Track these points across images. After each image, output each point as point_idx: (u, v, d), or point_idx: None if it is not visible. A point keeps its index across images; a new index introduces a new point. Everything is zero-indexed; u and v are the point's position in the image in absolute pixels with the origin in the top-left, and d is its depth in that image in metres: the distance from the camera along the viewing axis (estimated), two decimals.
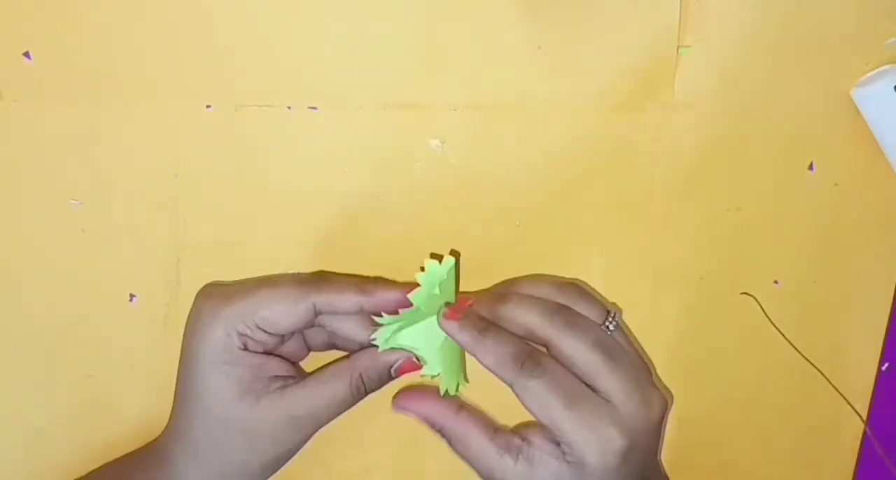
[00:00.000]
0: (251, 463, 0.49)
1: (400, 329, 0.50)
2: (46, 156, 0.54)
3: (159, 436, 0.52)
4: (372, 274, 0.54)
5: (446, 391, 0.51)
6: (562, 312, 0.49)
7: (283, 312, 0.48)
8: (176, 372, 0.51)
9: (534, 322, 0.48)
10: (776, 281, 0.58)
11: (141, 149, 0.54)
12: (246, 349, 0.49)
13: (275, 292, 0.49)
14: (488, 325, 0.49)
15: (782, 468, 0.59)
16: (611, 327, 0.49)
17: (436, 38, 0.54)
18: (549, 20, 0.54)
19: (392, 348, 0.50)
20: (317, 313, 0.49)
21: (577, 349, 0.47)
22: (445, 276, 0.50)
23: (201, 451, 0.49)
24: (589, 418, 0.46)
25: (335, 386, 0.49)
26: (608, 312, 0.50)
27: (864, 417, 0.58)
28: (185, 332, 0.50)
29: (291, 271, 0.54)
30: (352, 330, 0.51)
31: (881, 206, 0.58)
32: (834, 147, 0.57)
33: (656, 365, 0.58)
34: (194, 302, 0.51)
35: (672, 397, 0.57)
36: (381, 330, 0.50)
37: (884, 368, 0.57)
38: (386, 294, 0.49)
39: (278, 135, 0.54)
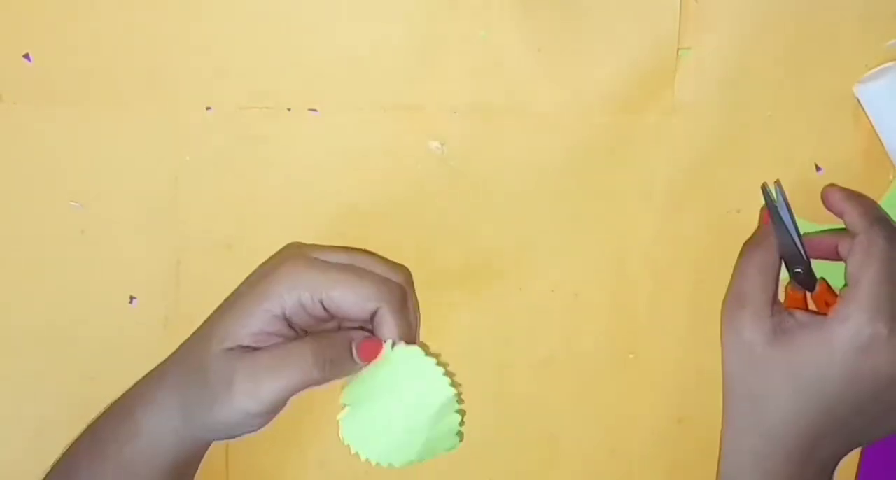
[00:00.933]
0: (216, 414, 0.47)
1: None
2: (46, 157, 0.54)
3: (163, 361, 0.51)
4: None
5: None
6: None
7: (349, 302, 0.48)
8: None
9: None
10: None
11: (141, 150, 0.54)
12: (289, 320, 0.48)
13: (357, 283, 0.48)
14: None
15: None
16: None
17: (435, 40, 0.54)
18: (549, 22, 0.54)
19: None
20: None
21: None
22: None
23: (187, 383, 0.48)
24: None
25: (300, 357, 0.48)
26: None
27: None
28: (257, 269, 0.51)
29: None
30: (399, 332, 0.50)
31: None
32: (835, 148, 0.57)
33: (656, 366, 0.58)
34: (279, 254, 0.51)
35: None
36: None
37: None
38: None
39: (278, 137, 0.54)
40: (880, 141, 0.56)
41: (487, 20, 0.54)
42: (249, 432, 0.49)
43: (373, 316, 0.49)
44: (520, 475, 0.59)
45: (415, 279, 0.54)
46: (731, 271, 0.57)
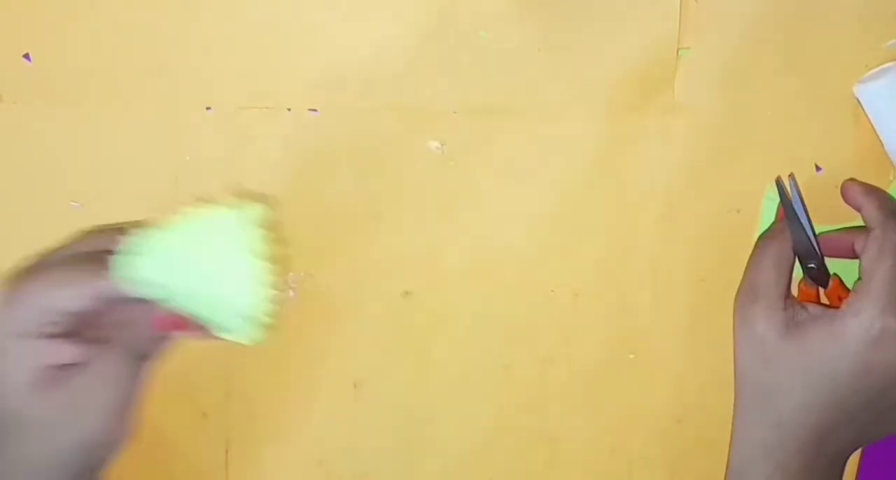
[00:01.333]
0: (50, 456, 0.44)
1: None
2: (46, 157, 0.54)
3: None
4: (370, 275, 0.54)
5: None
6: None
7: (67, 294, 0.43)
8: (173, 373, 0.51)
9: None
10: None
11: (141, 150, 0.54)
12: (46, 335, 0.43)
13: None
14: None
15: None
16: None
17: (435, 41, 0.54)
18: (549, 23, 0.54)
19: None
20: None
21: None
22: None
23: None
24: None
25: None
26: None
27: None
28: None
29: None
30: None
31: None
32: (835, 148, 0.57)
33: (656, 366, 0.58)
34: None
35: None
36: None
37: None
38: None
39: (278, 137, 0.54)
40: (880, 141, 0.56)
41: (487, 20, 0.54)
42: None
43: None
44: (520, 475, 0.59)
45: (415, 279, 0.54)
46: (731, 271, 0.57)
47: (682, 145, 0.56)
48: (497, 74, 0.54)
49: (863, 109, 0.56)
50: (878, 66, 0.56)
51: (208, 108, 0.54)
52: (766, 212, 0.56)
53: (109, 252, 0.43)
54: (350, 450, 0.57)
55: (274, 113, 0.54)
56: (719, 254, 0.57)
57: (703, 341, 0.58)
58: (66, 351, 0.44)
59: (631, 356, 0.58)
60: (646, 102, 0.55)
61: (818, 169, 0.57)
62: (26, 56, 0.53)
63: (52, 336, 0.43)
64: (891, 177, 0.57)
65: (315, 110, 0.54)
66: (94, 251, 0.44)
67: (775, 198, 0.51)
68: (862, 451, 0.58)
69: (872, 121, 0.56)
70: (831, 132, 0.57)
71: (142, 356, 0.45)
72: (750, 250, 0.57)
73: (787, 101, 0.56)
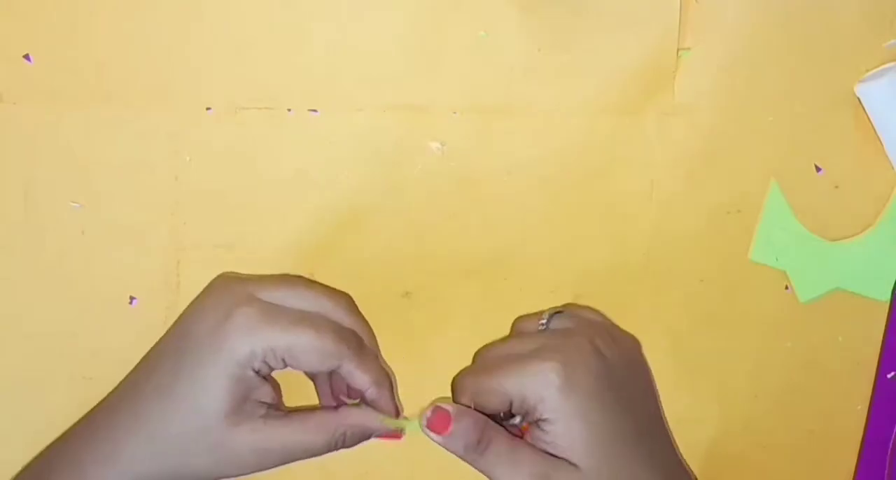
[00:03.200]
0: (201, 474, 0.48)
1: None
2: (46, 158, 0.54)
3: (103, 408, 0.50)
4: (371, 276, 0.54)
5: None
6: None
7: (312, 361, 0.48)
8: None
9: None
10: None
11: (141, 151, 0.54)
12: (257, 372, 0.48)
13: (318, 342, 0.48)
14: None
15: (782, 470, 0.59)
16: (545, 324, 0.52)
17: (435, 40, 0.54)
18: (549, 22, 0.54)
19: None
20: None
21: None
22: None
23: (158, 448, 0.47)
24: (509, 367, 0.48)
25: (316, 435, 0.49)
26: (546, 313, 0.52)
27: (865, 419, 0.58)
28: (202, 323, 0.48)
29: (314, 279, 0.54)
30: (363, 383, 0.50)
31: (883, 206, 0.57)
32: (835, 148, 0.57)
33: (656, 366, 0.58)
34: (218, 293, 0.49)
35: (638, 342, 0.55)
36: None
37: (889, 376, 0.57)
38: (389, 405, 0.51)
39: (278, 138, 0.54)
40: (880, 141, 0.56)
41: (487, 20, 0.54)
42: None
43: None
44: None
45: (415, 279, 0.54)
46: (731, 271, 0.57)
47: (682, 145, 0.56)
48: (497, 74, 0.55)
49: (863, 109, 0.56)
50: (878, 66, 0.56)
51: (208, 108, 0.54)
52: (768, 212, 0.57)
53: (355, 336, 0.50)
54: (350, 451, 0.57)
55: (274, 113, 0.54)
56: (719, 254, 0.57)
57: (703, 341, 0.58)
58: (266, 391, 0.49)
59: None
60: (645, 102, 0.55)
61: (818, 169, 0.57)
62: (26, 56, 0.53)
63: (264, 375, 0.49)
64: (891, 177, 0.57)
65: (315, 110, 0.54)
66: (338, 325, 0.49)
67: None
68: (861, 453, 0.58)
69: (872, 121, 0.56)
70: (831, 132, 0.57)
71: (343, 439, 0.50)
72: (750, 250, 0.57)
73: (787, 101, 0.56)
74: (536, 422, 0.48)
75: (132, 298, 0.55)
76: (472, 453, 0.48)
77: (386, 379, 0.51)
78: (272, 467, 0.49)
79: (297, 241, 0.55)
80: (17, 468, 0.54)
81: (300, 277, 0.53)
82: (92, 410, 0.51)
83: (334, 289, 0.52)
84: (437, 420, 0.48)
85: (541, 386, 0.47)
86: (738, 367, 0.58)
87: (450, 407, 0.48)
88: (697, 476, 0.57)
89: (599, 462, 0.47)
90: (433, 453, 0.57)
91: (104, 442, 0.48)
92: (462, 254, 0.56)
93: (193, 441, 0.47)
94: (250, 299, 0.48)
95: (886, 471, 0.58)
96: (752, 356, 0.58)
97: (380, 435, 0.51)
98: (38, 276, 0.54)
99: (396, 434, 0.51)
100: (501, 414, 0.50)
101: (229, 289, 0.49)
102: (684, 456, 0.55)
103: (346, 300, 0.51)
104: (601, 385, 0.48)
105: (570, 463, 0.47)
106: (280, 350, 0.47)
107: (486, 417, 0.49)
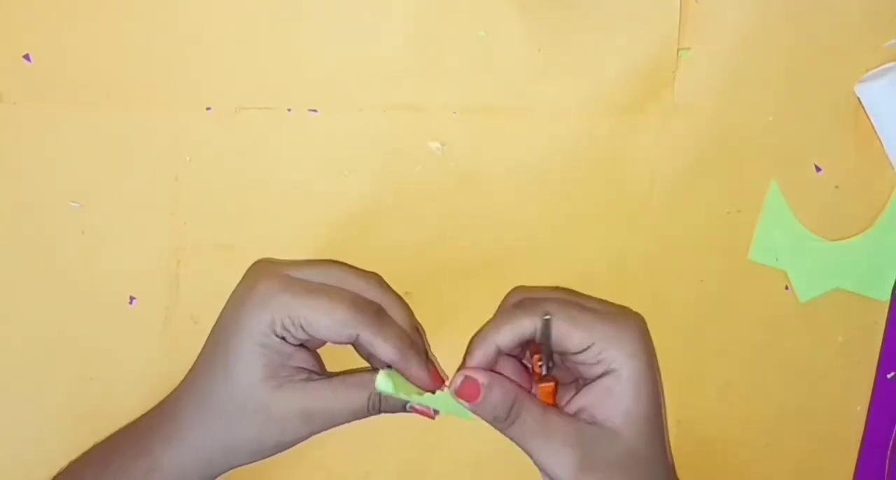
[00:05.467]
0: (251, 443, 0.49)
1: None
2: (46, 158, 0.54)
3: (170, 394, 0.52)
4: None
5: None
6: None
7: (328, 327, 0.49)
8: (175, 372, 0.51)
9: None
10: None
11: (141, 151, 0.54)
12: (283, 339, 0.49)
13: (331, 308, 0.49)
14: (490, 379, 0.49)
15: (782, 470, 0.59)
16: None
17: (436, 41, 0.54)
18: (549, 23, 0.54)
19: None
20: (355, 341, 0.50)
21: (549, 293, 0.52)
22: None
23: (210, 417, 0.49)
24: (607, 315, 0.50)
25: (355, 396, 0.50)
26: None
27: (865, 419, 0.58)
28: (232, 299, 0.51)
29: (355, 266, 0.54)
30: (385, 352, 0.50)
31: (883, 206, 0.57)
32: (835, 148, 0.57)
33: None
34: (252, 272, 0.51)
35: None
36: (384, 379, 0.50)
37: (889, 376, 0.58)
38: (419, 372, 0.50)
39: (278, 138, 0.54)
40: (880, 141, 0.56)
41: (487, 20, 0.54)
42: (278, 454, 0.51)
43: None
44: (522, 475, 0.59)
45: (415, 279, 0.54)
46: (731, 271, 0.57)
47: (682, 145, 0.56)
48: (497, 74, 0.55)
49: (863, 109, 0.56)
50: (878, 66, 0.56)
51: (208, 108, 0.54)
52: (768, 212, 0.57)
53: (374, 306, 0.50)
54: (351, 451, 0.57)
55: (274, 113, 0.54)
56: (719, 254, 0.57)
57: (703, 341, 0.58)
58: (303, 357, 0.51)
59: None
60: (646, 102, 0.56)
61: (818, 169, 0.57)
62: (26, 56, 0.53)
63: (294, 343, 0.50)
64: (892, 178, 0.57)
65: (315, 110, 0.54)
66: (358, 296, 0.50)
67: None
68: (861, 454, 0.58)
69: (872, 121, 0.56)
70: (831, 132, 0.57)
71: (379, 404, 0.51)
72: (750, 250, 0.57)
73: (787, 101, 0.56)
74: (595, 379, 0.49)
75: (132, 298, 0.55)
76: (502, 423, 0.49)
77: (410, 349, 0.50)
78: (319, 430, 0.50)
79: (297, 241, 0.55)
80: (17, 469, 0.54)
81: (335, 261, 0.54)
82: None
83: (364, 270, 0.53)
84: (466, 390, 0.49)
85: (628, 342, 0.49)
86: (737, 367, 0.58)
87: (480, 377, 0.49)
88: (698, 477, 0.57)
89: (639, 435, 0.48)
90: (434, 453, 0.57)
91: (169, 421, 0.50)
92: (462, 254, 0.56)
93: (239, 408, 0.49)
94: (276, 274, 0.50)
95: (886, 471, 0.58)
96: (752, 356, 0.58)
97: (413, 410, 0.51)
98: (38, 276, 0.54)
99: (427, 412, 0.51)
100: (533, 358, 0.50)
101: (261, 267, 0.52)
102: (685, 456, 0.55)
103: (375, 278, 0.52)
104: (655, 364, 0.50)
105: (612, 430, 0.48)
106: (296, 317, 0.48)
107: (516, 387, 0.49)
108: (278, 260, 0.54)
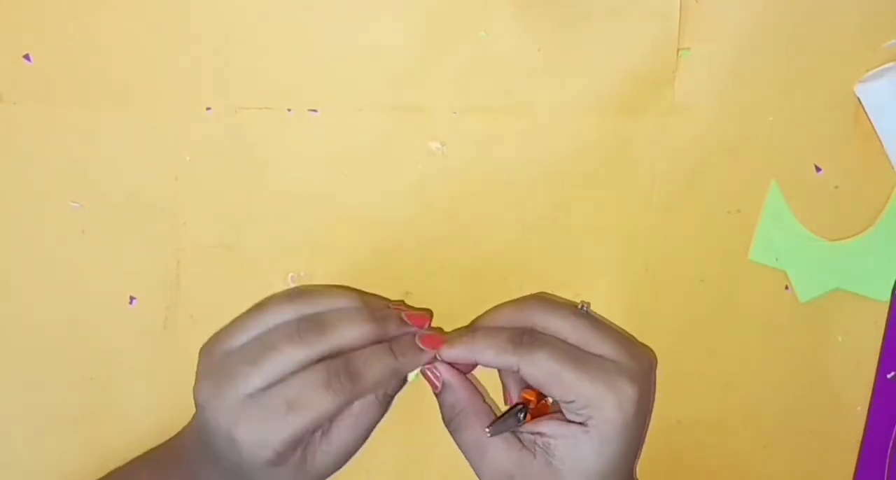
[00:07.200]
0: None
1: None
2: (46, 157, 0.54)
3: (181, 432, 0.52)
4: (370, 276, 0.54)
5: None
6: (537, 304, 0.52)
7: (314, 425, 0.48)
8: (175, 372, 0.51)
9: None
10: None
11: (141, 151, 0.54)
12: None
13: (303, 415, 0.47)
14: (473, 330, 0.51)
15: (782, 471, 0.59)
16: (584, 310, 0.53)
17: (435, 41, 0.54)
18: (549, 23, 0.54)
19: None
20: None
21: (563, 321, 0.50)
22: None
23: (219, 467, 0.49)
24: (599, 374, 0.48)
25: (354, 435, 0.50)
26: (578, 303, 0.53)
27: (865, 419, 0.58)
28: (203, 420, 0.48)
29: (293, 283, 0.54)
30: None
31: (883, 206, 0.57)
32: (835, 148, 0.57)
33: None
34: (206, 391, 0.48)
35: (655, 356, 0.56)
36: None
37: (889, 376, 0.58)
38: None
39: (278, 138, 0.54)
40: (880, 141, 0.56)
41: (487, 20, 0.54)
42: None
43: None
44: None
45: (415, 279, 0.54)
46: (731, 271, 0.57)
47: (682, 145, 0.56)
48: (497, 74, 0.55)
49: (863, 109, 0.56)
50: (878, 66, 0.56)
51: (208, 108, 0.54)
52: (768, 212, 0.57)
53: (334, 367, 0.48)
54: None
55: (274, 113, 0.54)
56: (719, 254, 0.57)
57: (703, 341, 0.58)
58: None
59: None
60: (646, 102, 0.56)
61: (818, 169, 0.57)
62: (26, 56, 0.53)
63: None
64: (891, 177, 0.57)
65: (315, 110, 0.54)
66: (308, 379, 0.47)
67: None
68: (861, 454, 0.58)
69: (872, 121, 0.56)
70: (831, 132, 0.57)
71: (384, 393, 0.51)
72: (750, 250, 0.57)
73: (787, 101, 0.56)
74: (570, 420, 0.49)
75: (132, 298, 0.55)
76: (446, 425, 0.51)
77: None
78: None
79: (297, 241, 0.55)
80: (17, 467, 0.54)
81: (258, 312, 0.50)
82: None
83: (287, 298, 0.50)
84: (429, 378, 0.51)
85: (609, 405, 0.48)
86: (737, 367, 0.58)
87: (443, 373, 0.51)
88: (698, 477, 0.57)
89: None
90: (433, 453, 0.57)
91: (187, 465, 0.51)
92: (462, 254, 0.56)
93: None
94: (234, 399, 0.47)
95: (886, 471, 0.58)
96: (752, 356, 0.58)
97: (423, 375, 0.51)
98: (38, 276, 0.54)
99: (436, 380, 0.51)
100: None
101: (211, 386, 0.48)
102: (685, 456, 0.55)
103: (303, 308, 0.50)
104: (641, 418, 0.49)
105: (558, 473, 0.48)
106: (281, 444, 0.47)
107: (469, 398, 0.51)
108: (216, 347, 0.49)
